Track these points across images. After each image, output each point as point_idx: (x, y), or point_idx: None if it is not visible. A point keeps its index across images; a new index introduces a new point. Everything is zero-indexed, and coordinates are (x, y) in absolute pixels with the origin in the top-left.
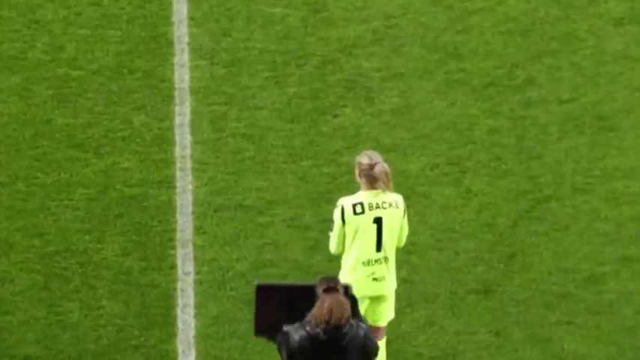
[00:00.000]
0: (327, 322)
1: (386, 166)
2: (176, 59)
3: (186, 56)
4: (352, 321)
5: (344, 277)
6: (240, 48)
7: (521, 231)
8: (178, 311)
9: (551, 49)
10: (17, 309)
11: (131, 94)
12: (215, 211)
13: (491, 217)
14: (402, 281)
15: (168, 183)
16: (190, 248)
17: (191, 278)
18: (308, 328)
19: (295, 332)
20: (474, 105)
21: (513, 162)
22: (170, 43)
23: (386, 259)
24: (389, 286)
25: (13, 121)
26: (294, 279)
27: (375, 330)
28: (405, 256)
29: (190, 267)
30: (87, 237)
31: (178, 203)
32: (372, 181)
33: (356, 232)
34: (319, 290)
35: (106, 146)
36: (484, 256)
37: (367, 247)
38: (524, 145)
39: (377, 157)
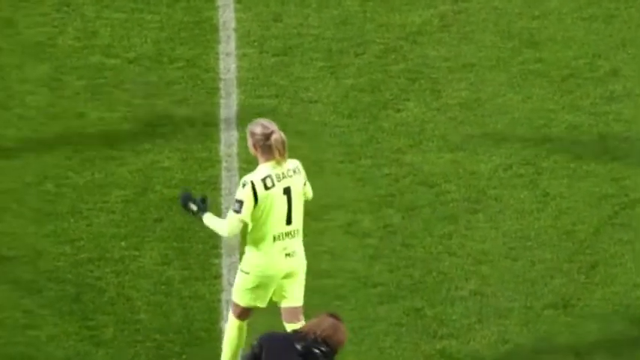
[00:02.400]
0: (322, 338)
1: (282, 134)
2: (221, 47)
3: (232, 44)
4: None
5: (254, 258)
6: (292, 35)
7: (604, 239)
8: (224, 325)
9: (637, 36)
10: (46, 323)
11: (172, 85)
12: None
13: (570, 223)
14: (471, 294)
15: (213, 184)
16: (237, 256)
17: None
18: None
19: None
20: (552, 99)
21: (595, 162)
22: (215, 29)
23: (297, 231)
24: (301, 260)
25: (41, 114)
26: (351, 290)
27: (294, 311)
28: (474, 266)
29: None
30: (123, 243)
31: (224, 206)
32: (269, 152)
33: (267, 209)
34: (321, 315)
35: (144, 143)
36: (562, 266)
37: (278, 220)
38: (607, 144)
39: (272, 126)
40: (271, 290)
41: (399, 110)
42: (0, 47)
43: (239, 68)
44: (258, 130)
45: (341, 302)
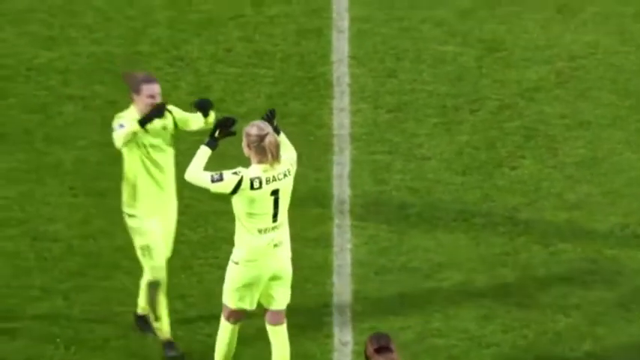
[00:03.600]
0: None
1: (276, 137)
2: (335, 102)
3: (346, 99)
4: None
5: (243, 248)
6: (406, 90)
7: None
8: None
9: None
10: None
11: None
12: (376, 273)
13: None
14: (586, 355)
15: (325, 241)
16: (348, 315)
17: (349, 349)
18: None
19: None
20: None
21: None
22: (329, 84)
23: (282, 224)
24: (287, 252)
25: None
26: (464, 351)
27: (278, 315)
28: (590, 327)
29: (349, 336)
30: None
31: (336, 264)
32: (262, 154)
33: (250, 203)
34: (370, 349)
35: None
36: None
37: (264, 218)
38: None
39: (268, 129)
40: (259, 290)
41: (514, 168)
42: (115, 100)
43: (353, 124)
44: (253, 131)
45: None
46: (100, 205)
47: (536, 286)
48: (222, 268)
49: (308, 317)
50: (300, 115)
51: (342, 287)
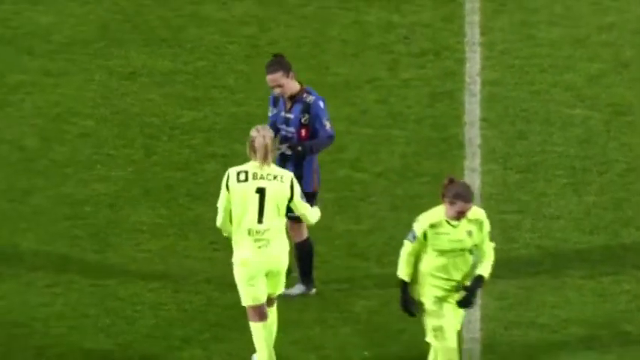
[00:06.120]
0: None
1: (267, 139)
2: (467, 163)
3: (477, 160)
4: None
5: (236, 250)
6: (536, 152)
7: None
8: None
9: None
10: None
11: (417, 198)
12: (505, 328)
13: None
14: None
15: None
16: None
17: None
18: None
19: None
20: None
21: None
22: (461, 145)
23: (268, 230)
24: (277, 254)
25: None
26: None
27: (271, 300)
28: None
29: None
30: (366, 353)
31: (466, 319)
32: (253, 152)
33: (240, 200)
34: None
35: (389, 254)
36: None
37: (250, 217)
38: None
39: (263, 132)
40: (262, 281)
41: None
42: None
43: (483, 184)
44: (252, 132)
45: None
46: None
47: None
48: (358, 322)
49: None
50: (432, 174)
51: (472, 342)
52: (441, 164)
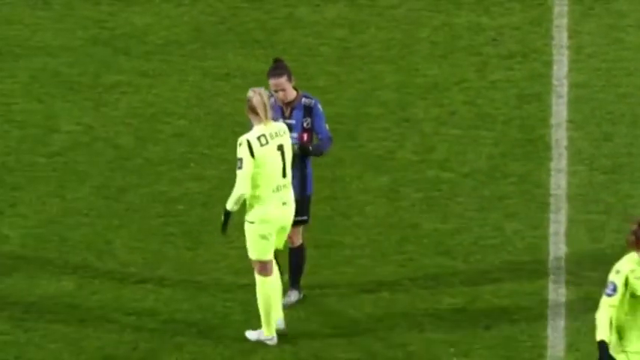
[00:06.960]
0: None
1: (264, 97)
2: (553, 164)
3: (564, 161)
4: None
5: (256, 208)
6: (622, 154)
7: None
8: None
9: None
10: None
11: (504, 199)
12: (590, 328)
13: None
14: None
15: (541, 295)
16: None
17: None
18: None
19: None
20: None
21: None
22: (547, 146)
23: (290, 183)
24: (292, 209)
25: (379, 223)
26: None
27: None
28: None
29: None
30: (452, 349)
31: (550, 318)
32: (255, 112)
33: (265, 163)
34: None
35: (475, 254)
36: None
37: (275, 174)
38: None
39: (259, 91)
40: (273, 238)
41: None
42: (342, 158)
43: (569, 185)
44: (248, 94)
45: None
46: None
47: None
48: (443, 319)
49: None
50: (519, 175)
51: (556, 340)
52: (527, 165)
